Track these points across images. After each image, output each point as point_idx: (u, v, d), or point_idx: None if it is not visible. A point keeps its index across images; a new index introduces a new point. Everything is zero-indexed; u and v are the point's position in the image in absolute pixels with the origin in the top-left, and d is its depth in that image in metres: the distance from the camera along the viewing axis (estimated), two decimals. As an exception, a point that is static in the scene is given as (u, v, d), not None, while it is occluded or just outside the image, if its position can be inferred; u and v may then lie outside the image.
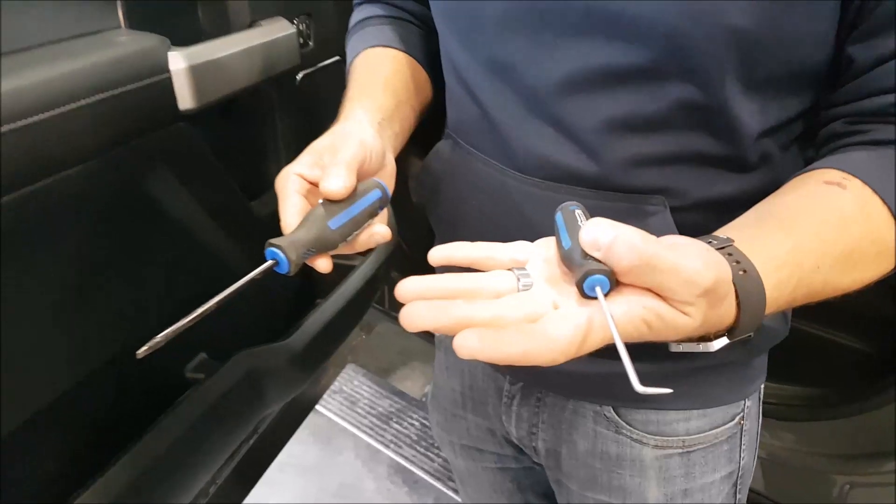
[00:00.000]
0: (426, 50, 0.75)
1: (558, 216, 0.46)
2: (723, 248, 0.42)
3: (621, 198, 0.57)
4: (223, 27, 0.90)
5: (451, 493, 1.61)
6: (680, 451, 0.71)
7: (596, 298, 0.37)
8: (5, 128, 0.60)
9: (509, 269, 0.43)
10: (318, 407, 1.76)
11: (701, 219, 0.57)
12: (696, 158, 0.55)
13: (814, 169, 0.52)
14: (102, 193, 0.73)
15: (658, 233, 0.56)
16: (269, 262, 0.49)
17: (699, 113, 0.52)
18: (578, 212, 0.45)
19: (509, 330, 0.37)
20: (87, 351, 0.77)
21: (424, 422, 1.78)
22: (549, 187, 0.58)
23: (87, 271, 0.74)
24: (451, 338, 0.37)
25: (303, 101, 1.06)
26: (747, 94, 0.51)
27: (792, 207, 0.49)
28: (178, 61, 0.79)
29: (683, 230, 0.55)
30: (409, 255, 1.59)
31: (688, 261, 0.37)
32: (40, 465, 0.75)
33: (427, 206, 0.79)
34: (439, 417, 0.94)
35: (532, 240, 0.48)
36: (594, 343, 0.37)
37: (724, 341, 0.42)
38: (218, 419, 0.91)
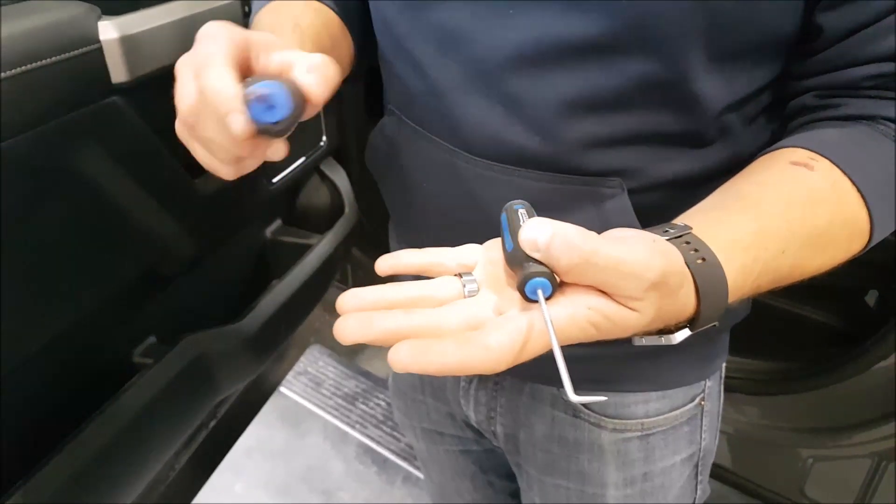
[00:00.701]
0: (351, 11, 0.67)
1: (503, 216, 0.43)
2: (679, 236, 0.40)
3: (576, 181, 0.54)
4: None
5: (419, 474, 1.60)
6: (639, 434, 0.70)
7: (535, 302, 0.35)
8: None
9: (457, 275, 0.41)
10: (283, 389, 1.74)
11: (659, 198, 0.55)
12: (654, 137, 0.53)
13: (781, 147, 0.49)
14: (31, 173, 0.69)
15: (615, 216, 0.53)
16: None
17: (660, 89, 0.49)
18: (522, 210, 0.42)
19: (445, 340, 0.34)
20: (25, 335, 0.73)
21: (390, 401, 1.77)
22: (501, 170, 0.55)
23: (20, 254, 0.70)
24: None
25: (252, 74, 1.02)
26: (712, 67, 0.48)
27: (757, 189, 0.46)
28: (110, 31, 0.74)
29: (641, 212, 0.54)
30: (370, 233, 1.56)
31: (631, 254, 0.35)
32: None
33: (380, 186, 0.76)
34: (399, 402, 0.92)
35: (485, 225, 0.46)
36: (535, 350, 0.35)
37: (685, 333, 0.40)
38: (167, 405, 0.88)
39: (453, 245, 0.44)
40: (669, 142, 0.53)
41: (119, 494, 0.87)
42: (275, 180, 1.12)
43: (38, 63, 0.68)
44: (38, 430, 0.78)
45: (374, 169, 0.74)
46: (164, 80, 0.81)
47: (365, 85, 1.47)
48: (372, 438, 1.69)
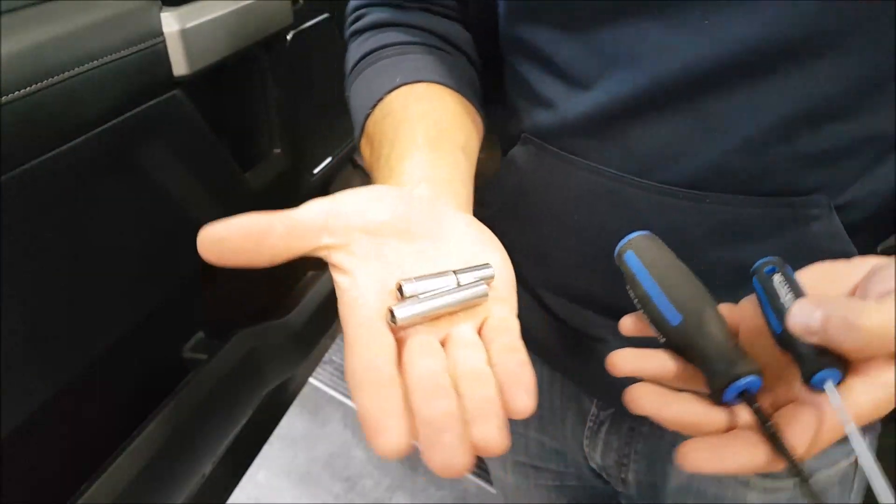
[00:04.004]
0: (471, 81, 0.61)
1: (755, 283, 0.38)
2: None
3: (778, 202, 0.47)
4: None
5: (442, 460, 1.62)
6: (788, 494, 0.64)
7: (824, 391, 0.32)
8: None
9: None
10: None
11: (866, 215, 0.49)
12: (867, 144, 0.46)
13: None
14: (94, 170, 0.68)
15: (825, 241, 0.48)
16: None
17: (880, 88, 0.43)
18: (777, 277, 0.37)
19: (735, 439, 0.33)
20: (89, 335, 0.72)
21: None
22: (685, 195, 0.48)
23: (83, 252, 0.69)
24: None
25: (294, 63, 1.00)
26: None
27: None
28: (172, 23, 0.73)
29: (849, 232, 0.49)
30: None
31: None
32: (43, 462, 0.71)
33: (503, 226, 0.56)
34: None
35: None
36: (828, 441, 0.33)
37: None
38: (221, 400, 0.88)
39: (611, 284, 0.41)
40: (882, 147, 0.46)
41: (176, 492, 0.87)
42: (315, 172, 1.11)
43: (107, 59, 0.66)
44: (101, 429, 0.78)
45: (499, 206, 0.63)
46: (214, 73, 0.80)
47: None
48: (399, 427, 1.70)
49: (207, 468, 0.98)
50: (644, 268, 0.38)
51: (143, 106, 0.71)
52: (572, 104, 0.52)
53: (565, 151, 0.54)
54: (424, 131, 0.48)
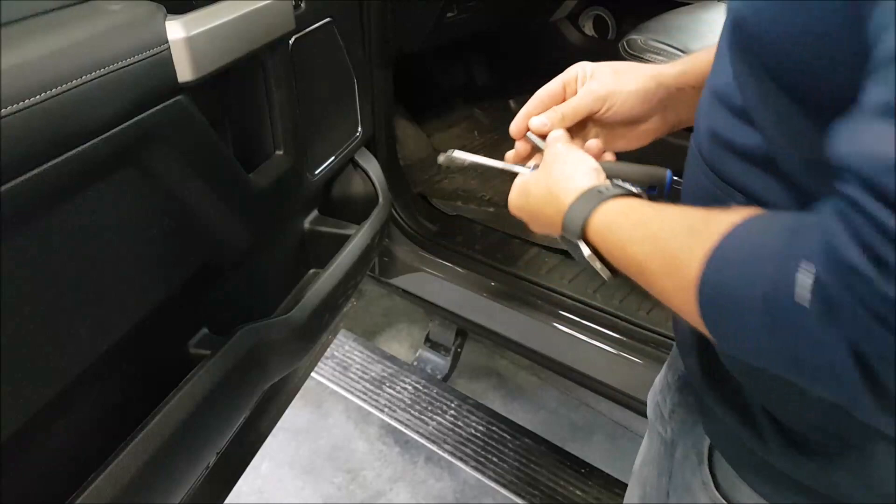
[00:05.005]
0: None
1: None
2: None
3: None
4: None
5: (441, 453, 1.64)
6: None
7: None
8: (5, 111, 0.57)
9: None
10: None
11: None
12: None
13: None
14: (103, 172, 0.70)
15: None
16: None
17: None
18: None
19: None
20: (99, 330, 0.75)
21: (417, 385, 1.80)
22: None
23: (92, 251, 0.72)
24: None
25: (296, 66, 1.03)
26: None
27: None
28: (177, 30, 0.75)
29: None
30: (400, 224, 1.58)
31: None
32: (53, 452, 0.74)
33: None
34: None
35: None
36: None
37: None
38: (225, 393, 0.91)
39: None
40: None
41: (181, 482, 0.89)
42: (316, 172, 1.13)
43: (114, 66, 0.68)
44: (111, 421, 0.80)
45: None
46: (220, 78, 0.82)
47: (394, 71, 1.47)
48: (400, 421, 1.72)
49: (212, 459, 1.01)
50: None
51: (149, 111, 0.73)
52: None
53: None
54: None
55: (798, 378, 0.37)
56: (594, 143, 0.65)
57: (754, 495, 0.55)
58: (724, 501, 0.58)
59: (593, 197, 0.53)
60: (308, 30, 1.05)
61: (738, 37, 0.44)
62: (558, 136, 0.64)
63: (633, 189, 0.56)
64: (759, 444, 0.52)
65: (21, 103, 0.59)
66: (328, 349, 1.72)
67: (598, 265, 0.54)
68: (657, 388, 0.75)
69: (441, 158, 0.73)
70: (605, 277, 0.55)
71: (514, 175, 0.67)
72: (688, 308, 0.41)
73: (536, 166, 0.65)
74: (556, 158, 0.61)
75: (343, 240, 1.17)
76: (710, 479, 0.60)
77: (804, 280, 0.33)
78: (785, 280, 0.34)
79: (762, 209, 0.44)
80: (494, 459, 1.61)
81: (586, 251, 0.54)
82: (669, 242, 0.45)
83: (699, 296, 0.40)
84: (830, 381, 0.34)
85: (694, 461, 0.62)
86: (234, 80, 0.93)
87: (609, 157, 0.64)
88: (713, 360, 0.56)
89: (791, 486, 0.52)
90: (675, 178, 0.60)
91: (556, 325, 1.43)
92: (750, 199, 0.48)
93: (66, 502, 0.71)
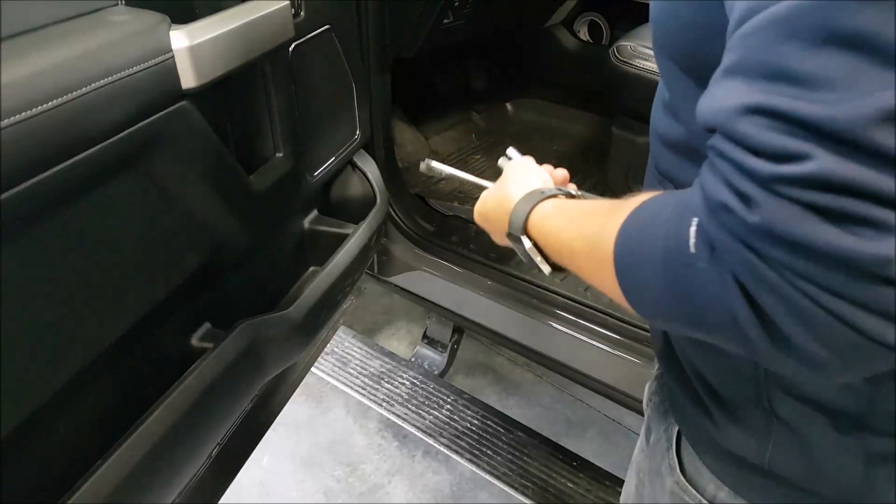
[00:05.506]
0: None
1: None
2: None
3: None
4: (214, 3, 0.89)
5: (438, 447, 1.68)
6: None
7: None
8: (10, 120, 0.60)
9: None
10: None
11: None
12: None
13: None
14: (109, 175, 0.74)
15: None
16: None
17: None
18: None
19: None
20: (100, 330, 0.79)
21: (415, 381, 1.84)
22: None
23: (95, 255, 0.76)
24: None
25: (295, 72, 1.07)
26: None
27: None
28: (181, 40, 0.79)
29: None
30: (398, 224, 1.62)
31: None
32: (58, 442, 0.78)
33: None
34: None
35: None
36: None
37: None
38: (225, 386, 0.95)
39: None
40: None
41: (182, 473, 0.93)
42: (316, 174, 1.17)
43: (121, 75, 0.72)
44: (114, 411, 0.84)
45: None
46: (222, 84, 0.87)
47: (392, 76, 1.52)
48: (397, 415, 1.76)
49: (214, 450, 1.05)
50: None
51: (154, 117, 0.77)
52: None
53: None
54: None
55: (705, 334, 0.41)
56: (561, 171, 0.71)
57: (713, 478, 0.59)
58: (685, 483, 0.62)
59: (535, 196, 0.60)
60: (307, 37, 1.09)
61: (655, 36, 0.52)
62: (527, 158, 0.73)
63: (575, 193, 0.62)
64: (708, 421, 0.57)
65: (33, 110, 0.63)
66: (328, 345, 1.76)
67: (538, 258, 0.59)
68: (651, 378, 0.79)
69: (422, 166, 0.83)
70: (545, 271, 0.60)
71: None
72: (610, 283, 0.46)
73: None
74: (511, 168, 0.70)
75: (341, 239, 1.21)
76: (676, 462, 0.64)
77: (692, 230, 0.38)
78: (676, 234, 0.39)
79: None
80: (489, 452, 1.65)
81: (527, 244, 0.59)
82: (589, 226, 0.50)
83: (617, 275, 0.45)
84: (728, 325, 0.37)
85: (664, 446, 0.66)
86: (236, 86, 0.97)
87: (572, 187, 0.69)
88: (669, 340, 0.60)
89: (742, 466, 0.56)
90: None
91: (549, 322, 1.47)
92: (680, 187, 0.53)
93: (74, 487, 0.75)
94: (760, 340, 0.36)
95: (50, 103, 0.64)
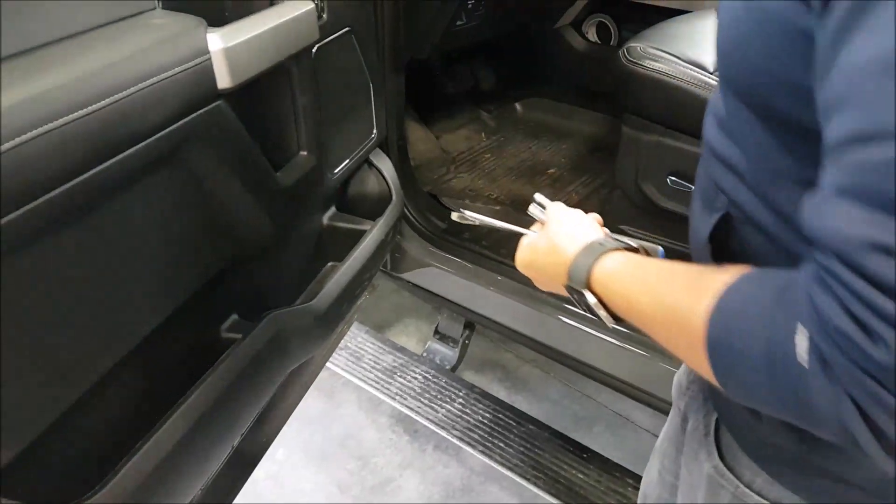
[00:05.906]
0: None
1: None
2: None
3: None
4: (245, 6, 0.92)
5: (449, 438, 1.71)
6: None
7: None
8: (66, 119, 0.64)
9: None
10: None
11: None
12: None
13: None
14: (149, 172, 0.78)
15: None
16: None
17: None
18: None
19: None
20: (142, 316, 0.83)
21: (427, 375, 1.88)
22: None
23: (136, 243, 0.80)
24: None
25: (319, 73, 1.10)
26: None
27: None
28: (217, 42, 0.83)
29: None
30: (411, 221, 1.66)
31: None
32: (97, 427, 0.81)
33: None
34: None
35: None
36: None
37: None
38: (252, 375, 0.98)
39: None
40: None
41: (210, 461, 0.97)
42: (335, 171, 1.21)
43: (161, 77, 0.76)
44: (149, 399, 0.88)
45: None
46: (251, 84, 0.90)
47: (406, 76, 1.55)
48: (411, 409, 1.80)
49: (237, 440, 1.08)
50: None
51: (193, 115, 0.81)
52: None
53: None
54: None
55: (807, 426, 0.42)
56: (594, 215, 0.71)
57: (753, 465, 0.62)
58: (724, 468, 0.64)
59: (595, 249, 0.60)
60: (329, 39, 1.13)
61: (722, 68, 0.51)
62: (559, 203, 0.73)
63: (631, 243, 0.61)
64: (748, 412, 0.58)
65: (82, 111, 0.66)
66: (342, 340, 1.79)
67: (602, 313, 0.59)
68: (683, 367, 0.81)
69: (454, 216, 0.81)
70: (608, 324, 0.60)
71: (520, 235, 0.74)
72: (697, 362, 0.46)
73: None
74: (558, 217, 0.69)
75: (359, 235, 1.24)
76: (714, 449, 0.66)
77: (801, 342, 0.38)
78: (782, 341, 0.39)
79: (736, 214, 0.53)
80: (501, 444, 1.68)
81: (592, 299, 0.58)
82: (670, 296, 0.50)
83: (709, 359, 0.45)
84: (835, 430, 0.38)
85: (702, 432, 0.69)
86: (264, 86, 1.01)
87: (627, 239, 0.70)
88: None
89: (782, 455, 0.58)
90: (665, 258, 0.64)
91: (560, 317, 1.50)
92: (732, 202, 0.54)
93: (115, 469, 0.78)
94: (870, 446, 0.37)
95: (106, 100, 0.68)
